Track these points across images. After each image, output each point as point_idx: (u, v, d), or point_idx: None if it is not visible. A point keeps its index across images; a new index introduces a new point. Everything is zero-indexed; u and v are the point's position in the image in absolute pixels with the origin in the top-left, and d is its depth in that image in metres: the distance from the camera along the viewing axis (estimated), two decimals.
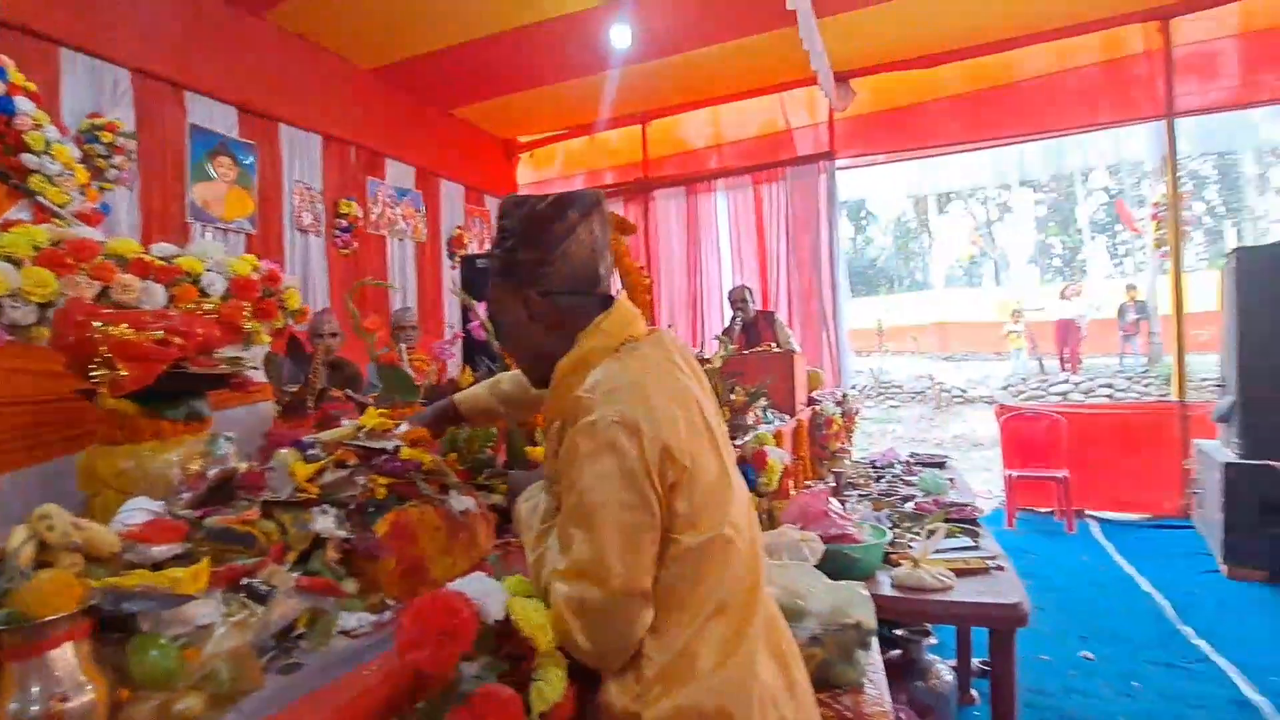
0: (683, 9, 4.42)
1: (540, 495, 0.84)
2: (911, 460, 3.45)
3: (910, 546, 1.91)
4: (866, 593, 1.15)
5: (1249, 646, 2.87)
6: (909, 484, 2.93)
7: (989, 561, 1.87)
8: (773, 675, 0.73)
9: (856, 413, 4.64)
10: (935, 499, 2.58)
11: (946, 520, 2.26)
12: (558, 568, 0.72)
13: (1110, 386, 9.42)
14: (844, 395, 4.24)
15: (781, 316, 5.55)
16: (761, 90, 5.83)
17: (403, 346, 2.50)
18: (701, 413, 0.77)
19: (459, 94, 5.65)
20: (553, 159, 7.01)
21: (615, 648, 0.71)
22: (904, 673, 2.40)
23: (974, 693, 2.57)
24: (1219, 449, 3.99)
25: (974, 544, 2.05)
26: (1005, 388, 10.14)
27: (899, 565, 1.77)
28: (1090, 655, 2.87)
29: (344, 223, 4.97)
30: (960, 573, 1.79)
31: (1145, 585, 3.66)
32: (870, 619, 1.10)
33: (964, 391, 10.39)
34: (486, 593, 0.67)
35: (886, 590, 1.72)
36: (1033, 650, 2.94)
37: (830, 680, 1.05)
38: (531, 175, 7.09)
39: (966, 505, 2.51)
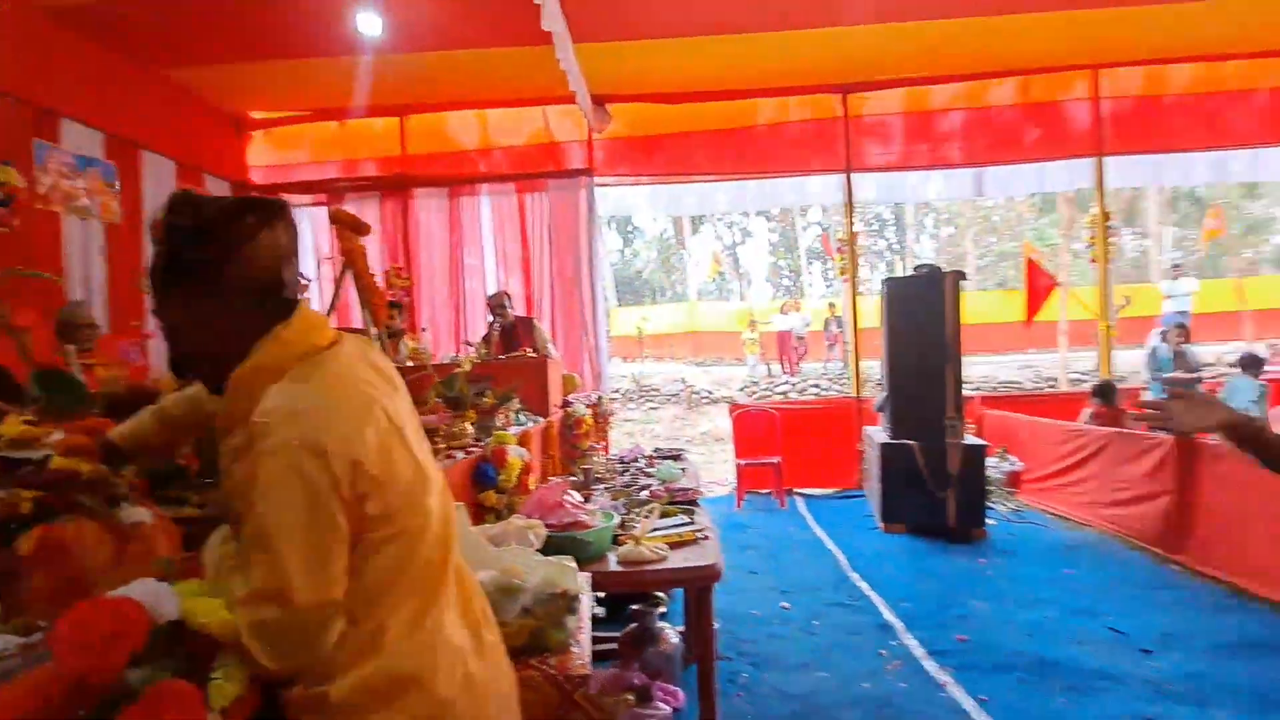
0: (431, 9, 4.36)
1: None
2: (654, 455, 3.83)
3: (635, 528, 2.16)
4: (573, 565, 1.31)
5: (891, 583, 3.75)
6: (648, 475, 3.27)
7: (699, 534, 2.21)
8: (463, 638, 0.82)
9: (612, 414, 4.99)
10: (667, 486, 2.93)
11: (671, 503, 2.59)
12: (238, 595, 0.71)
13: (818, 387, 11.41)
14: (599, 398, 4.55)
15: (544, 322, 5.78)
16: (527, 101, 5.98)
17: (71, 349, 2.10)
18: (389, 417, 0.79)
19: (174, 52, 4.84)
20: (299, 142, 6.35)
21: (305, 661, 0.73)
22: (637, 642, 2.69)
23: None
24: (878, 433, 5.12)
25: (690, 520, 2.39)
26: (743, 389, 11.69)
27: (625, 545, 2.00)
28: (787, 605, 3.50)
29: None
30: (675, 545, 2.08)
31: (829, 545, 4.55)
32: (575, 587, 1.26)
33: (710, 393, 11.72)
34: (156, 595, 0.65)
35: (613, 567, 1.94)
36: (747, 607, 3.48)
37: (542, 644, 1.18)
38: (271, 157, 6.33)
39: (690, 489, 2.89)
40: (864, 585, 3.74)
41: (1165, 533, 3.87)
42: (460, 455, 1.95)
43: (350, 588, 0.74)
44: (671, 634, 2.69)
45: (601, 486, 3.01)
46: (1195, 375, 6.04)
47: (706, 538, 2.18)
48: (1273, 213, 20.02)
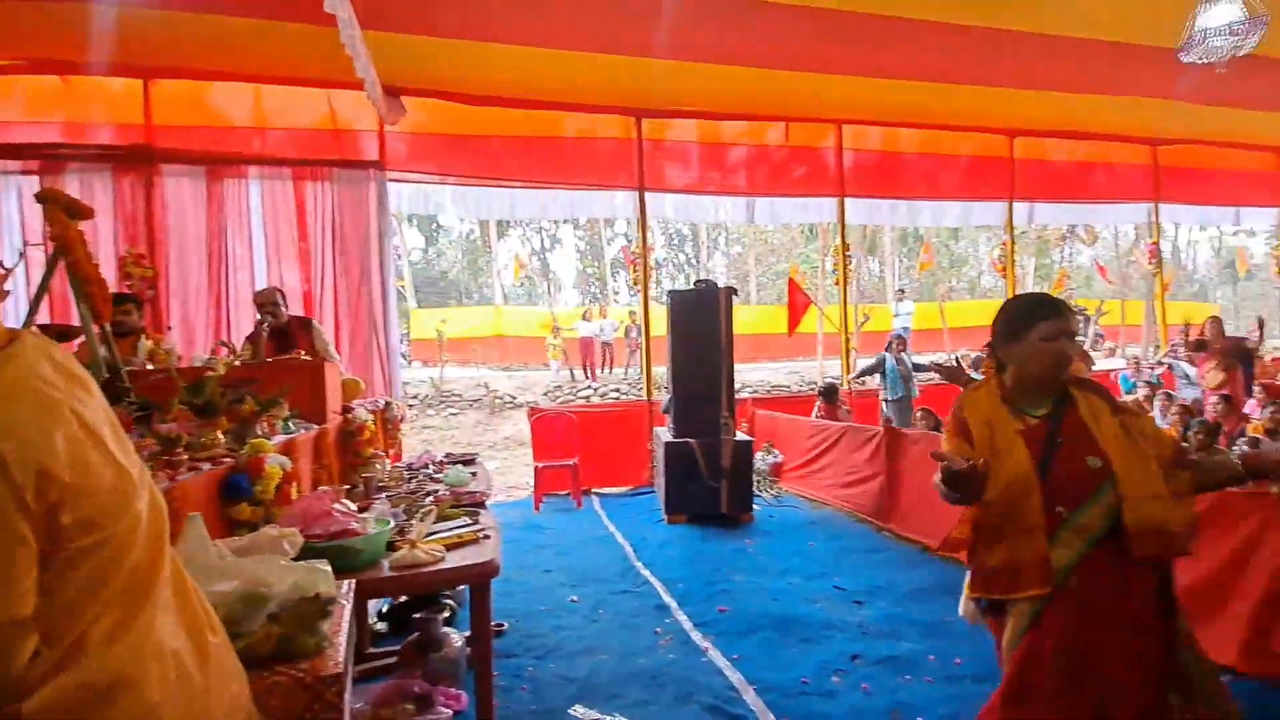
0: None
1: None
2: (445, 460, 3.78)
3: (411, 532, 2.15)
4: (327, 568, 1.30)
5: (670, 568, 4.11)
6: (437, 481, 3.22)
7: (480, 534, 2.25)
8: (181, 641, 0.79)
9: (402, 420, 4.78)
10: (453, 491, 2.92)
11: (456, 506, 2.60)
12: None
13: (619, 391, 11.95)
14: (387, 404, 4.34)
15: (326, 323, 5.35)
16: (310, 81, 5.49)
17: None
18: (81, 421, 0.74)
19: None
20: (9, 95, 5.12)
21: None
22: (421, 649, 2.65)
23: None
24: (664, 433, 5.56)
25: (473, 522, 2.42)
26: (546, 394, 11.83)
27: (400, 550, 1.98)
28: (576, 598, 3.66)
29: None
30: (453, 546, 2.11)
31: (619, 538, 4.83)
32: (330, 590, 1.25)
33: (514, 398, 11.68)
34: None
35: (386, 572, 1.92)
36: (537, 604, 3.58)
37: (293, 650, 1.16)
38: None
39: (478, 493, 2.92)
40: (646, 572, 4.05)
41: (880, 506, 4.76)
42: (208, 466, 1.78)
43: (47, 603, 0.69)
44: (457, 639, 2.69)
45: (384, 495, 2.91)
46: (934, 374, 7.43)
47: (488, 537, 2.24)
48: (970, 251, 25.45)
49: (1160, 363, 8.09)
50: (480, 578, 1.97)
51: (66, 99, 5.21)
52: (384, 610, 3.41)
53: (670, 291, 5.46)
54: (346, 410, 3.45)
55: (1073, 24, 5.04)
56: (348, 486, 2.69)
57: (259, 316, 3.88)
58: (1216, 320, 6.57)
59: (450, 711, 2.40)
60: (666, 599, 3.60)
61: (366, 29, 4.46)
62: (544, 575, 4.06)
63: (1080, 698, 1.46)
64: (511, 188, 6.58)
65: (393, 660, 2.74)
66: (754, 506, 5.28)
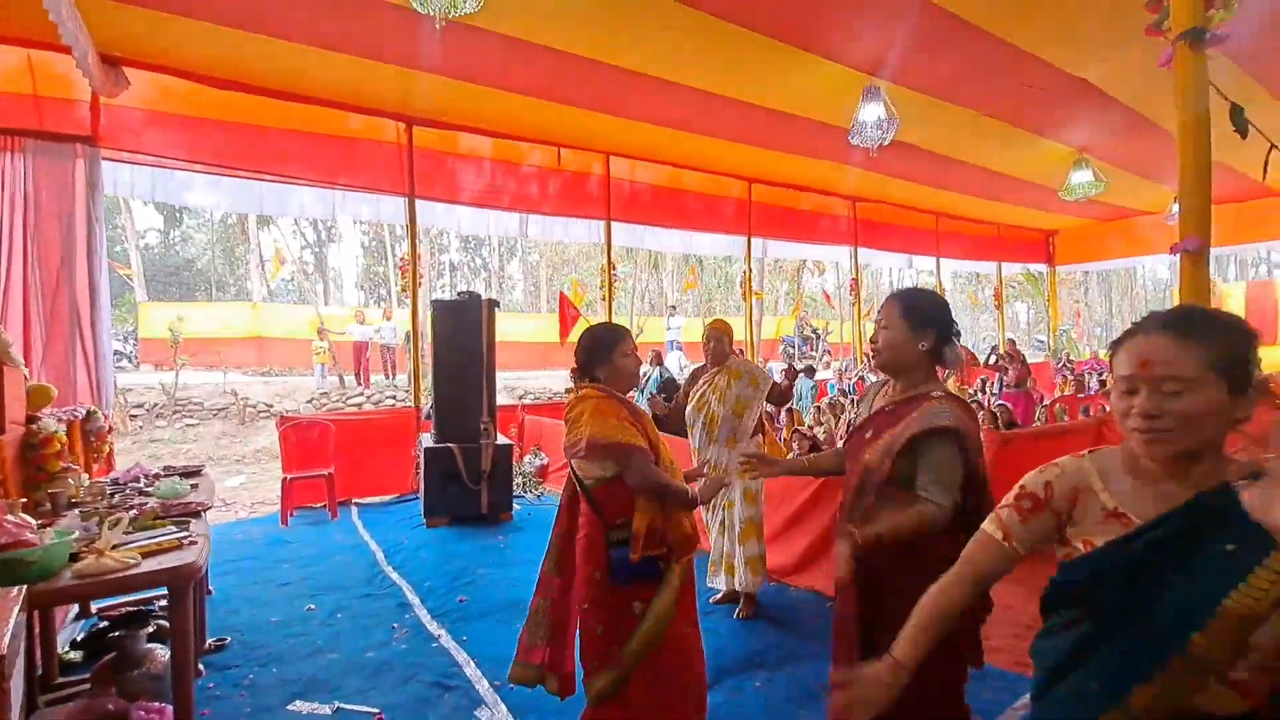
0: None
1: None
2: (160, 474, 3.52)
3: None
4: None
5: (420, 569, 4.26)
6: (148, 494, 3.04)
7: (184, 540, 2.26)
8: None
9: (110, 430, 4.28)
10: (164, 504, 2.80)
11: (161, 517, 2.54)
12: None
13: (395, 398, 11.52)
14: (88, 412, 3.88)
15: (14, 319, 4.56)
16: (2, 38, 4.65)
17: None
18: None
19: None
20: None
21: None
22: (117, 667, 2.54)
23: (200, 666, 2.90)
24: (428, 438, 5.65)
25: (181, 530, 2.40)
26: (310, 401, 10.97)
27: (85, 559, 1.95)
28: (313, 606, 3.65)
29: None
30: (151, 553, 2.11)
31: (372, 546, 4.84)
32: None
33: (270, 406, 10.63)
34: None
35: (68, 581, 1.88)
36: (269, 616, 3.51)
37: None
38: None
39: (194, 503, 2.84)
40: (395, 575, 4.16)
41: None
42: None
43: None
44: (162, 653, 2.61)
45: (79, 510, 2.70)
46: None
47: (194, 543, 2.26)
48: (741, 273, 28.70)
49: (860, 376, 10.12)
50: (175, 580, 2.01)
51: None
52: (78, 639, 3.10)
53: (434, 301, 5.59)
54: (32, 420, 3.08)
55: (785, 102, 6.23)
56: (23, 500, 2.44)
57: None
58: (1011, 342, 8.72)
59: None
60: (410, 597, 3.76)
61: None
62: (280, 588, 3.95)
63: None
64: (269, 181, 6.18)
65: (86, 685, 2.56)
66: (515, 506, 5.61)
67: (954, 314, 1.75)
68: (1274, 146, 2.54)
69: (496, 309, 5.63)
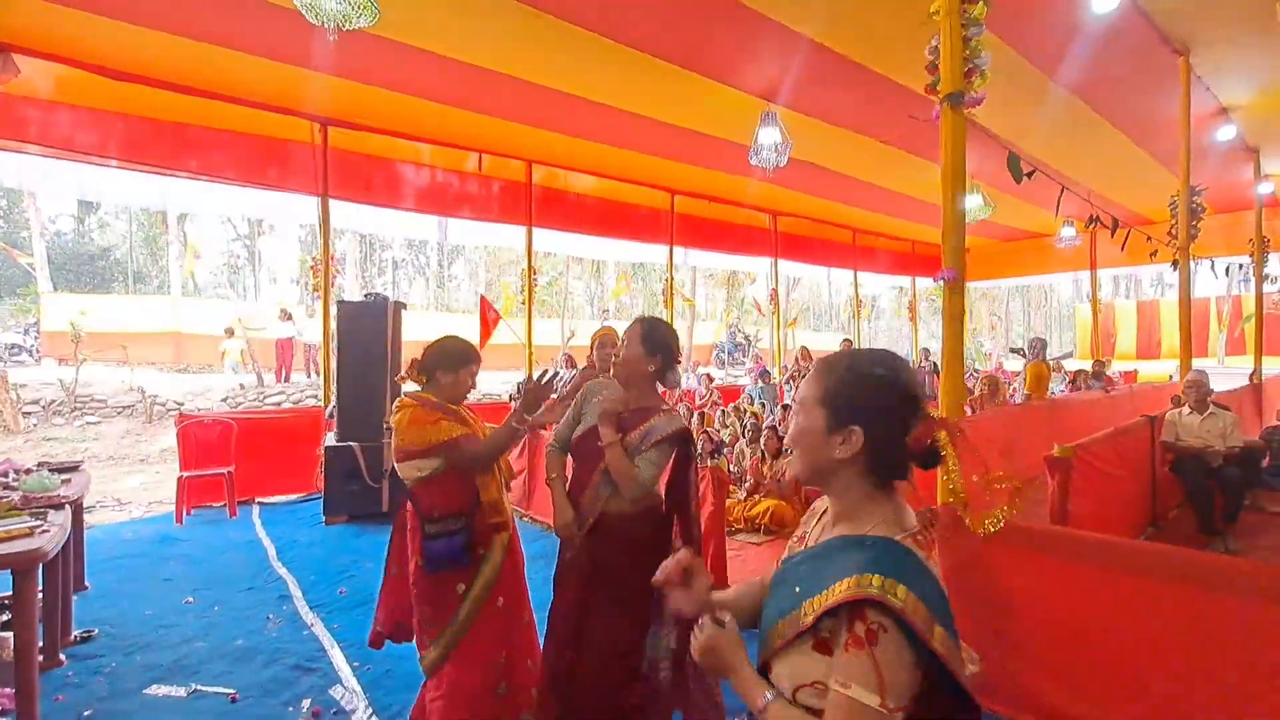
0: None
1: None
2: (32, 469, 3.51)
3: None
4: None
5: (309, 565, 4.34)
6: (12, 489, 3.06)
7: (36, 528, 2.35)
8: None
9: None
10: (26, 496, 2.85)
11: (19, 508, 2.60)
12: None
13: (315, 396, 11.33)
14: None
15: None
16: None
17: None
18: None
19: None
20: None
21: None
22: None
23: (61, 656, 2.95)
24: (332, 438, 5.70)
25: (37, 520, 2.48)
26: (225, 399, 10.69)
27: None
28: (192, 599, 3.71)
29: None
30: (3, 537, 2.20)
31: (266, 543, 4.88)
32: None
33: (181, 404, 10.31)
34: None
35: None
36: (143, 609, 3.55)
37: None
38: None
39: (55, 496, 2.89)
40: (283, 571, 4.23)
41: (522, 495, 5.59)
42: None
43: None
44: (9, 640, 2.66)
45: None
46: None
47: (46, 532, 2.35)
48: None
49: (785, 382, 10.62)
50: (19, 563, 2.12)
51: None
52: None
53: (339, 302, 5.67)
54: None
55: (697, 122, 6.57)
56: None
57: None
58: (805, 350, 9.18)
59: (2, 707, 2.41)
60: (293, 590, 3.86)
61: None
62: (163, 584, 3.98)
63: None
64: (179, 176, 6.10)
65: None
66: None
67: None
68: (1064, 188, 2.97)
69: (404, 310, 5.73)
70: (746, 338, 18.36)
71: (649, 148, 7.43)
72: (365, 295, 5.76)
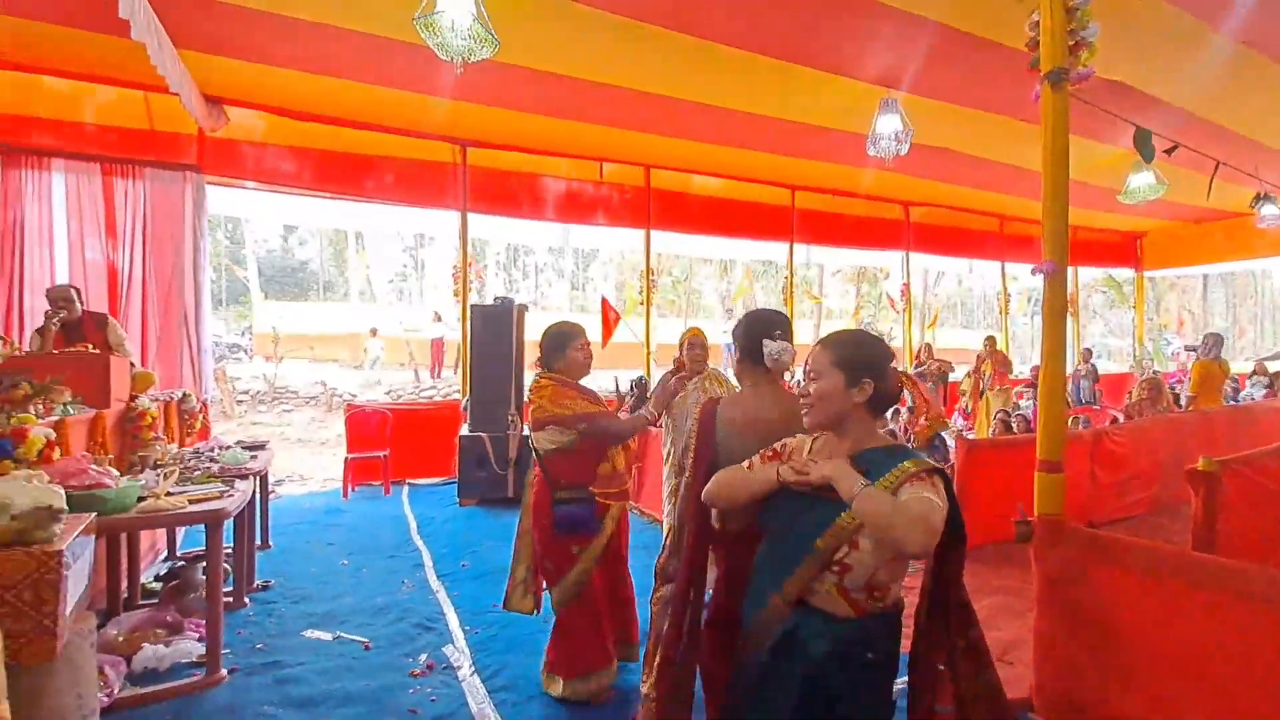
0: None
1: None
2: (236, 444, 4.30)
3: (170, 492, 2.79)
4: (61, 493, 1.96)
5: (443, 539, 4.87)
6: (215, 461, 3.79)
7: (224, 493, 2.92)
8: None
9: (205, 409, 5.18)
10: (223, 467, 3.52)
11: (213, 476, 3.23)
12: None
13: (459, 390, 12.50)
14: (183, 395, 4.77)
15: (133, 320, 5.58)
16: (126, 82, 5.69)
17: None
18: None
19: None
20: None
21: None
22: (179, 591, 3.26)
23: (246, 599, 3.60)
24: (466, 428, 6.31)
25: (227, 486, 3.07)
26: (389, 392, 12.10)
27: (147, 500, 2.63)
28: (347, 562, 4.33)
29: None
30: (198, 500, 2.77)
31: (410, 519, 5.53)
32: (60, 505, 1.91)
33: (355, 396, 11.83)
34: None
35: (133, 515, 2.56)
36: (309, 566, 4.21)
37: (28, 539, 1.82)
38: None
39: (247, 469, 3.54)
40: (420, 543, 4.80)
41: (632, 488, 5.81)
42: None
43: None
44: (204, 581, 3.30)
45: (157, 469, 3.45)
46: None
47: (231, 497, 2.91)
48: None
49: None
50: (210, 519, 2.66)
51: None
52: (160, 574, 3.90)
53: (472, 306, 6.25)
54: (133, 399, 3.90)
55: (813, 116, 6.44)
56: (110, 456, 3.20)
57: (50, 311, 4.19)
58: (928, 347, 8.64)
59: (197, 635, 3.03)
60: (425, 560, 4.38)
61: (185, 49, 4.91)
62: (326, 547, 4.68)
63: None
64: (356, 199, 7.09)
65: (157, 602, 3.31)
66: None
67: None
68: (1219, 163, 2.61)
69: (526, 312, 6.20)
70: (879, 336, 17.39)
71: (765, 145, 7.37)
72: (495, 299, 6.31)
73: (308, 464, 8.79)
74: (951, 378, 9.67)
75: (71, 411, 3.15)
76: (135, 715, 2.51)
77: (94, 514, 2.27)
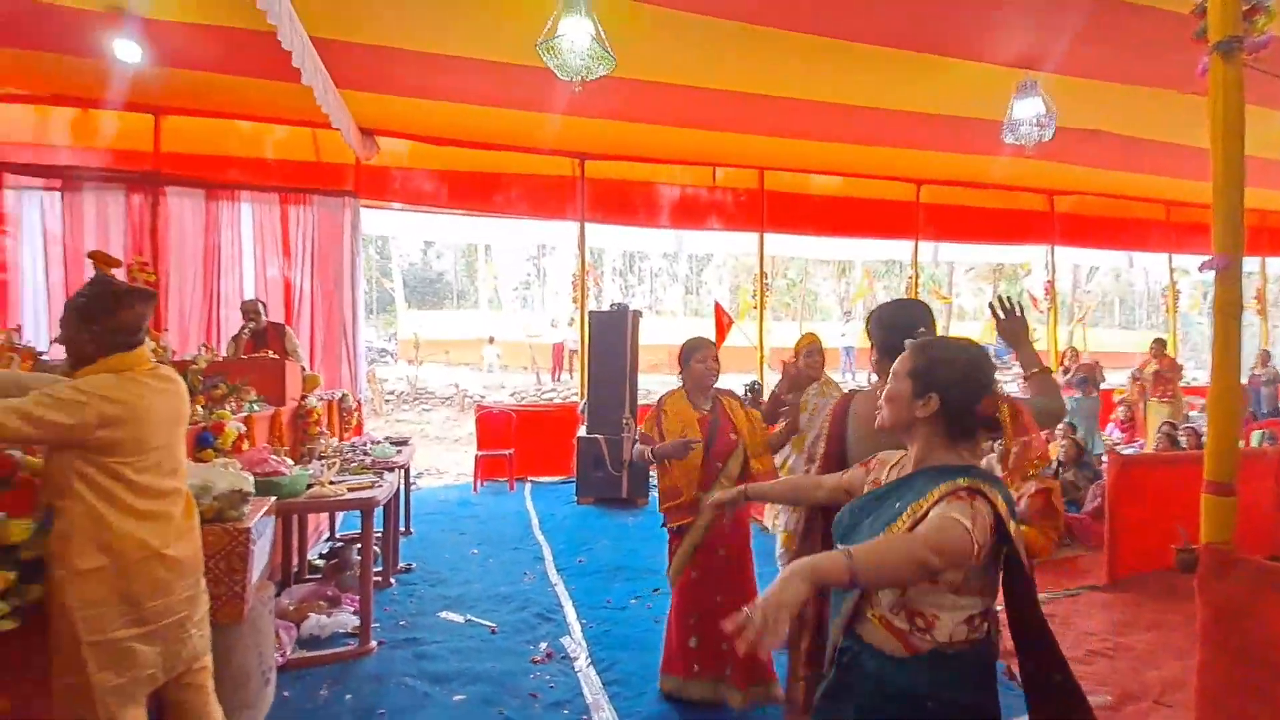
0: (206, 50, 4.90)
1: None
2: (380, 440, 4.80)
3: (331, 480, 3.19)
4: (250, 478, 2.32)
5: (561, 535, 5.13)
6: (367, 454, 4.25)
7: (374, 484, 3.28)
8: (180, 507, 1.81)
9: (359, 408, 5.81)
10: (374, 460, 3.95)
11: (365, 468, 3.63)
12: None
13: (579, 394, 13.00)
14: (342, 395, 5.38)
15: (303, 327, 6.38)
16: (298, 122, 6.53)
17: None
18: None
19: None
20: (23, 121, 6.15)
21: None
22: (338, 569, 3.69)
23: (391, 580, 4.00)
24: (583, 430, 6.58)
25: (378, 477, 3.45)
26: (513, 394, 12.85)
27: (313, 486, 3.02)
28: (476, 551, 4.69)
29: None
30: (354, 489, 3.14)
31: (532, 514, 5.85)
32: (249, 489, 2.27)
33: (483, 397, 12.69)
34: None
35: (303, 499, 2.95)
36: (443, 554, 4.60)
37: (225, 517, 2.18)
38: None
39: (391, 462, 3.95)
40: (541, 538, 5.08)
41: None
42: (189, 426, 2.81)
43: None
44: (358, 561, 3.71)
45: (324, 461, 3.94)
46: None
47: (380, 487, 3.27)
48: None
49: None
50: (364, 505, 3.01)
51: (85, 127, 6.24)
52: (323, 553, 4.44)
53: (591, 312, 6.51)
54: (303, 398, 4.47)
55: (937, 104, 6.08)
56: (286, 448, 3.70)
57: (244, 321, 4.91)
58: (1074, 349, 7.89)
59: (352, 609, 3.42)
60: (545, 554, 4.63)
61: (345, 89, 5.54)
62: (458, 536, 5.09)
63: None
64: (486, 215, 7.68)
65: (320, 577, 3.77)
66: (651, 493, 6.29)
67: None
68: None
69: (640, 318, 6.36)
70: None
71: (887, 139, 7.03)
72: (611, 305, 6.53)
73: (443, 459, 9.54)
74: (1104, 384, 8.67)
75: (256, 409, 3.68)
76: (303, 675, 2.88)
77: (273, 498, 2.65)
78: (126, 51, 4.58)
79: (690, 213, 8.10)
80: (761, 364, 8.35)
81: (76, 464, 1.61)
